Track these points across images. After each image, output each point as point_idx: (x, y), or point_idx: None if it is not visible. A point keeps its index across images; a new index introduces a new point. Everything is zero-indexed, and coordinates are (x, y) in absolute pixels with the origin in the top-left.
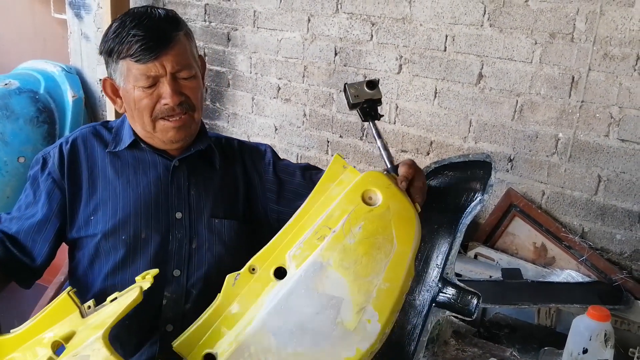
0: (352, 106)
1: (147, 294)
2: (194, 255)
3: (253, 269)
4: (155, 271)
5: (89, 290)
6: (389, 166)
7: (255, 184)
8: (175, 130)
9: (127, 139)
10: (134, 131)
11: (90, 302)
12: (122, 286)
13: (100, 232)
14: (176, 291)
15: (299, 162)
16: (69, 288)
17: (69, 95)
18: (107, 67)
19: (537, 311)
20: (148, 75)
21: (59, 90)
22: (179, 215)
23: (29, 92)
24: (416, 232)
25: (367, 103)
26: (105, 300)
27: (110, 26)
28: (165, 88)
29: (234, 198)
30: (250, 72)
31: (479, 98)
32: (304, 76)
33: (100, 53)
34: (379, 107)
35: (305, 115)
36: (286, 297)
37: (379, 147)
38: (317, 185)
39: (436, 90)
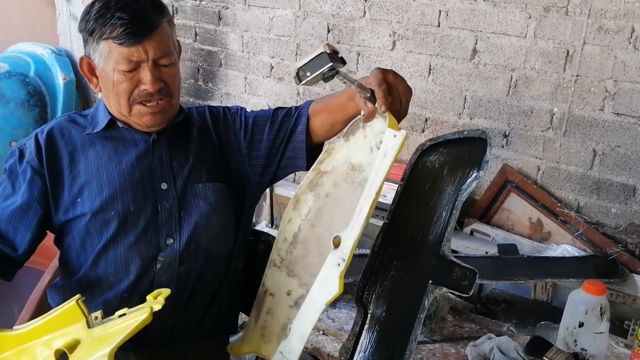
0: (327, 78)
1: (142, 265)
2: (184, 221)
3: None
4: (167, 291)
5: (80, 270)
6: (368, 95)
7: (231, 143)
8: (151, 115)
9: (103, 120)
10: (109, 112)
11: (98, 313)
12: (114, 263)
13: (88, 211)
14: (170, 255)
15: None
16: (77, 296)
17: (59, 78)
18: (85, 46)
19: (533, 286)
20: (130, 60)
21: (49, 73)
22: (164, 185)
23: (18, 76)
24: None
25: (330, 70)
26: (97, 286)
27: (92, 5)
28: (145, 74)
29: (213, 162)
30: (243, 51)
31: (473, 74)
32: (296, 54)
33: (80, 31)
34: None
35: (299, 94)
36: None
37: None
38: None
39: (430, 66)
